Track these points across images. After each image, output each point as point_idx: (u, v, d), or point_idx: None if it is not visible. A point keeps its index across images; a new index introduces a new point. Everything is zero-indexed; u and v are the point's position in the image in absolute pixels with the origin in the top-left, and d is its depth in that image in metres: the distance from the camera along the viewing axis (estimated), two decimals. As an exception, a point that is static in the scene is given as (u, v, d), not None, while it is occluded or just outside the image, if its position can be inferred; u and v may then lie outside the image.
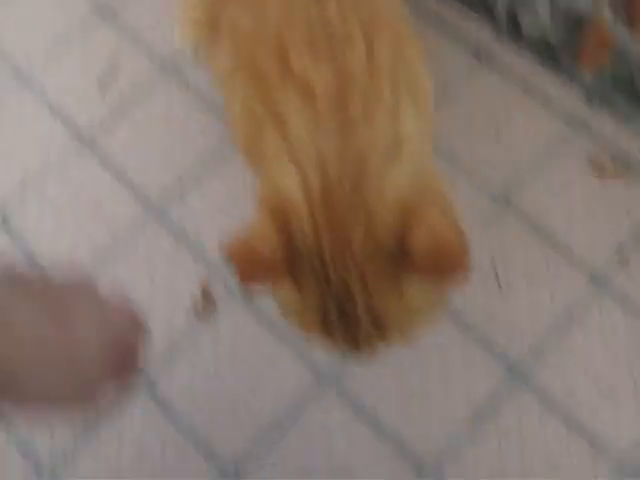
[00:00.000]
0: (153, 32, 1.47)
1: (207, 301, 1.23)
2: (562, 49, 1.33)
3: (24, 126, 1.42)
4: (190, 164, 1.35)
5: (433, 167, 0.91)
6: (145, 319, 0.79)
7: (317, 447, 1.15)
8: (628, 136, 1.31)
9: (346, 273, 0.77)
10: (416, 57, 0.94)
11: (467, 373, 1.18)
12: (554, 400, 1.15)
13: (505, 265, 1.24)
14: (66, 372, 0.69)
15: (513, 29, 1.37)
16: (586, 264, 1.23)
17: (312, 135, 0.79)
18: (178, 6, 1.14)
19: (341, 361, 1.19)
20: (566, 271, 1.23)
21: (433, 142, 1.24)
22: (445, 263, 0.74)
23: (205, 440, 1.17)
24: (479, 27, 1.41)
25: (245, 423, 1.17)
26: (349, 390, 1.18)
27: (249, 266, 0.77)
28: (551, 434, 1.13)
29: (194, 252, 1.27)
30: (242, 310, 1.22)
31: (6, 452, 1.18)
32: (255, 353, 1.21)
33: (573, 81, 1.35)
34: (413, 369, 1.18)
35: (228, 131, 1.34)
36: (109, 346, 0.72)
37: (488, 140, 1.33)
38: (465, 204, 1.26)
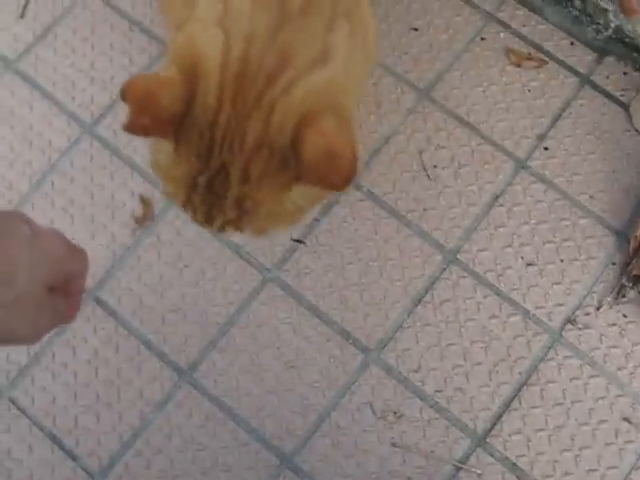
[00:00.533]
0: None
1: (146, 209, 1.25)
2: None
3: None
4: (117, 77, 1.35)
5: (353, 90, 0.88)
6: (83, 250, 0.74)
7: (266, 344, 1.21)
8: (540, 28, 1.37)
9: (230, 156, 0.76)
10: None
11: (404, 262, 1.24)
12: (487, 276, 1.22)
13: (432, 157, 1.29)
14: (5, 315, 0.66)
15: None
16: (509, 151, 1.29)
17: (251, 12, 0.78)
18: None
19: (282, 259, 1.24)
20: (491, 159, 1.29)
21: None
22: (331, 169, 0.73)
23: (158, 347, 1.21)
24: None
25: (195, 327, 1.21)
26: (292, 287, 1.23)
27: (142, 109, 0.74)
28: (484, 305, 1.21)
29: (130, 163, 1.29)
30: (182, 216, 1.25)
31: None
32: (198, 257, 1.24)
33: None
34: (352, 263, 1.24)
35: (155, 45, 1.35)
36: (48, 277, 0.69)
37: (408, 37, 1.36)
38: (389, 99, 1.32)
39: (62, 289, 0.70)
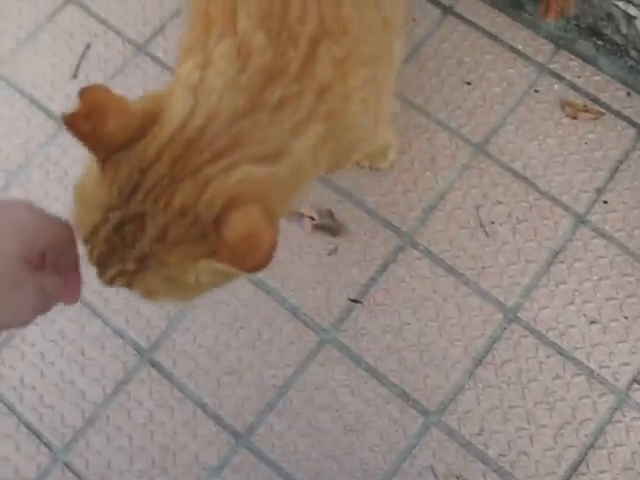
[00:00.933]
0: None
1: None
2: (527, -2, 1.36)
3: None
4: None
5: (294, 189, 0.88)
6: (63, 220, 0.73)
7: (324, 407, 1.18)
8: (595, 78, 1.35)
9: (152, 210, 0.76)
10: (358, 91, 0.90)
11: (464, 321, 1.21)
12: (549, 335, 1.19)
13: (490, 213, 1.27)
14: None
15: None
16: (568, 206, 1.27)
17: (225, 89, 0.80)
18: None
19: (339, 319, 1.22)
20: (549, 214, 1.26)
21: (406, 95, 1.27)
22: (248, 252, 0.73)
23: (214, 410, 1.19)
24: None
25: (251, 390, 1.20)
26: (350, 348, 1.20)
27: (88, 117, 0.73)
28: (547, 365, 1.18)
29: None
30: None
31: (13, 435, 1.20)
32: (254, 318, 1.23)
33: (539, 30, 1.37)
34: (411, 322, 1.21)
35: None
36: (21, 251, 0.66)
37: (461, 91, 1.35)
38: (444, 154, 1.30)
39: (51, 266, 0.68)
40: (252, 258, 0.73)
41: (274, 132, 0.81)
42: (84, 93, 0.73)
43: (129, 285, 0.80)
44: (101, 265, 0.79)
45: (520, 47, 1.37)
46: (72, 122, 0.73)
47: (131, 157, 0.76)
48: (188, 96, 0.80)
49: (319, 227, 1.28)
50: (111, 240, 0.77)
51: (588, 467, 1.13)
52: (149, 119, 0.77)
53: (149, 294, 0.82)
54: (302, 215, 1.28)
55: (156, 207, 0.76)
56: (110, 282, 0.80)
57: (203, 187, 0.76)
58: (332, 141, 0.87)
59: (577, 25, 1.34)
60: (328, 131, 0.85)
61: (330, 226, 1.27)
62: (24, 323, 0.69)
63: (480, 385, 1.17)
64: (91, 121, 0.73)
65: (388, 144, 1.26)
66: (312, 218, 1.28)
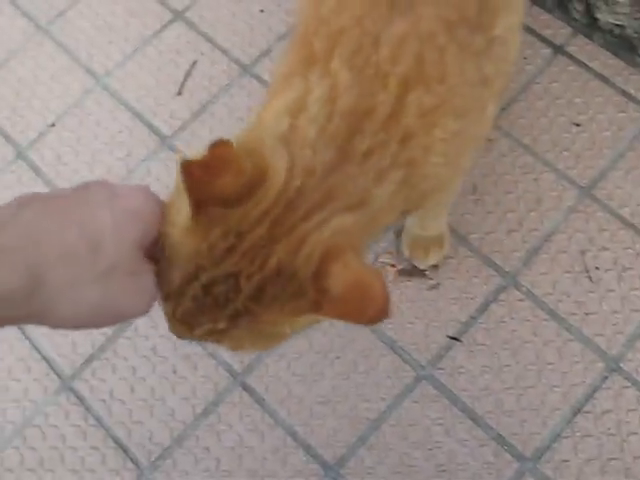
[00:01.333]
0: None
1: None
2: (641, 42, 1.34)
3: (104, 127, 1.43)
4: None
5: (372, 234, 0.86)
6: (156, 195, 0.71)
7: (417, 444, 1.16)
8: None
9: (247, 270, 0.73)
10: (442, 142, 0.86)
11: (564, 367, 1.19)
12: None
13: (595, 259, 1.24)
14: (99, 285, 0.63)
15: (589, 23, 1.38)
16: (675, 256, 1.24)
17: (317, 139, 0.78)
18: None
19: (437, 357, 1.20)
20: (656, 263, 1.24)
21: (514, 134, 1.25)
22: (363, 302, 0.70)
23: (304, 439, 1.18)
24: (555, 22, 1.41)
25: (344, 421, 1.18)
26: (446, 386, 1.19)
27: (208, 167, 0.69)
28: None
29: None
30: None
31: (101, 448, 1.20)
32: (350, 349, 1.22)
33: (651, 74, 1.36)
34: (510, 365, 1.19)
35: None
36: (138, 236, 0.66)
37: (570, 132, 1.33)
38: (550, 196, 1.28)
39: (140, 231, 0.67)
40: (370, 307, 0.71)
41: (360, 184, 0.79)
42: (214, 146, 0.71)
43: (218, 341, 0.78)
44: (186, 322, 0.76)
45: (632, 91, 1.35)
46: (189, 169, 0.70)
47: (229, 219, 0.73)
48: (283, 152, 0.77)
49: (403, 272, 1.26)
50: (200, 299, 0.74)
51: (687, 528, 1.10)
52: (255, 180, 0.74)
53: (236, 347, 0.80)
54: (383, 264, 1.27)
55: (251, 267, 0.73)
56: (199, 339, 0.78)
57: (299, 244, 0.74)
58: (407, 188, 0.84)
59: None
60: (406, 178, 0.82)
61: (412, 268, 1.26)
62: (143, 313, 0.69)
63: (578, 434, 1.15)
64: (208, 173, 0.70)
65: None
66: (392, 265, 1.26)
